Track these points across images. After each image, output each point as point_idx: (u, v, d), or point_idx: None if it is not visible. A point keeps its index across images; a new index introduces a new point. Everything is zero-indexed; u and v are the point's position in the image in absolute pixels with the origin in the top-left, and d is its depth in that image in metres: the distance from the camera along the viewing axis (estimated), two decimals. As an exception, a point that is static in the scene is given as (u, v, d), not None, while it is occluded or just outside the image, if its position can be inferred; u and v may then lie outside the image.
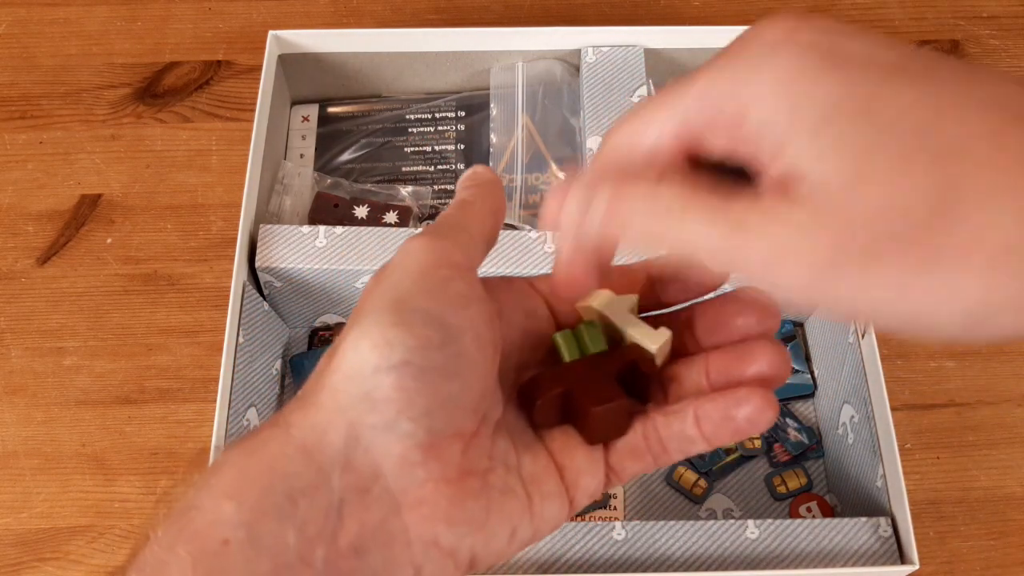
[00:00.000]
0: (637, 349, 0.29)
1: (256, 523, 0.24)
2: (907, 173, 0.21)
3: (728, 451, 0.61)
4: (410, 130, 0.73)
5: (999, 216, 0.20)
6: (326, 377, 0.26)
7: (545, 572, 0.51)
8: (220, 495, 0.24)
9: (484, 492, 0.26)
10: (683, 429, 0.28)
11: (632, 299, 0.30)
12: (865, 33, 0.23)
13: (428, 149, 0.72)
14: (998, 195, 0.20)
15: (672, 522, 0.52)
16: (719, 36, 0.69)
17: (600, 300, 0.30)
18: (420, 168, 0.71)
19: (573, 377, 0.29)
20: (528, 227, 0.65)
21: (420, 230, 0.29)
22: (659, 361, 0.30)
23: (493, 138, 0.71)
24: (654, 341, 0.29)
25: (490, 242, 0.30)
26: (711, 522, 0.52)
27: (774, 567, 0.51)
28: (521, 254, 0.59)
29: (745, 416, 0.27)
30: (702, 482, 0.60)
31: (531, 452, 0.28)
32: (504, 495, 0.27)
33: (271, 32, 0.67)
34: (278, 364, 0.63)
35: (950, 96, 0.21)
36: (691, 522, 0.52)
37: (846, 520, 0.52)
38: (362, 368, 0.25)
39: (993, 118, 0.21)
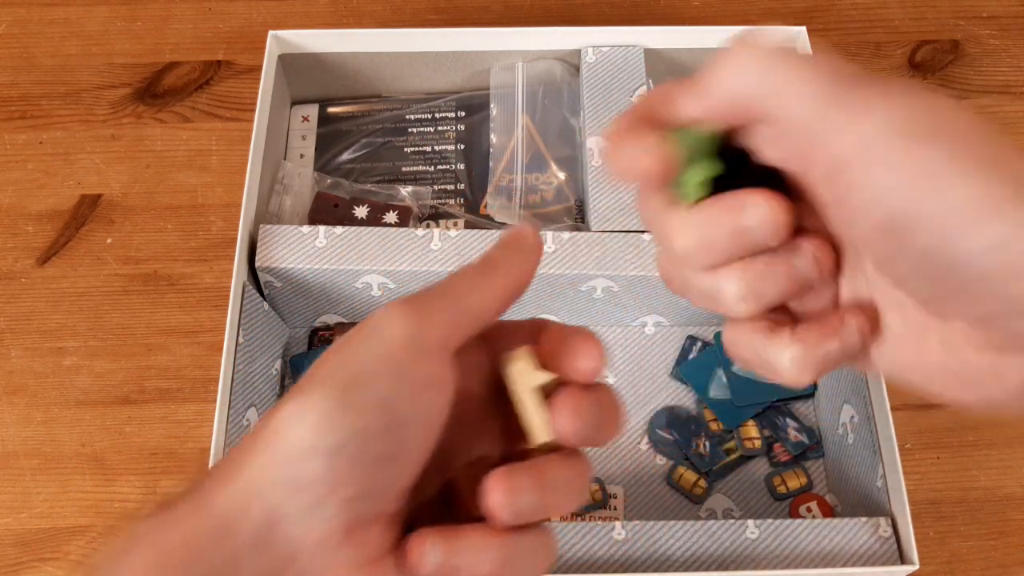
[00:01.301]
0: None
1: None
2: None
3: (728, 451, 0.61)
4: (410, 130, 0.73)
5: None
6: (260, 442, 0.25)
7: (544, 572, 0.51)
8: (139, 573, 0.24)
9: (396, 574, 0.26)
10: None
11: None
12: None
13: (428, 149, 0.72)
14: None
15: (672, 522, 0.52)
16: (719, 36, 0.69)
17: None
18: (420, 168, 0.71)
19: None
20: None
21: (415, 294, 0.27)
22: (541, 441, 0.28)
23: (493, 138, 0.71)
24: (543, 433, 0.27)
25: (493, 313, 0.28)
26: (711, 522, 0.52)
27: (774, 567, 0.51)
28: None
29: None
30: (702, 482, 0.59)
31: None
32: None
33: (271, 32, 0.67)
34: (278, 364, 0.63)
35: None
36: (691, 522, 0.52)
37: (846, 520, 0.52)
38: (299, 445, 0.24)
39: None
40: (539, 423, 0.27)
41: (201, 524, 0.24)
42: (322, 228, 0.60)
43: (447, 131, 0.73)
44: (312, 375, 0.26)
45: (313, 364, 0.26)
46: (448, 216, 0.69)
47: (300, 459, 0.24)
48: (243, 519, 0.24)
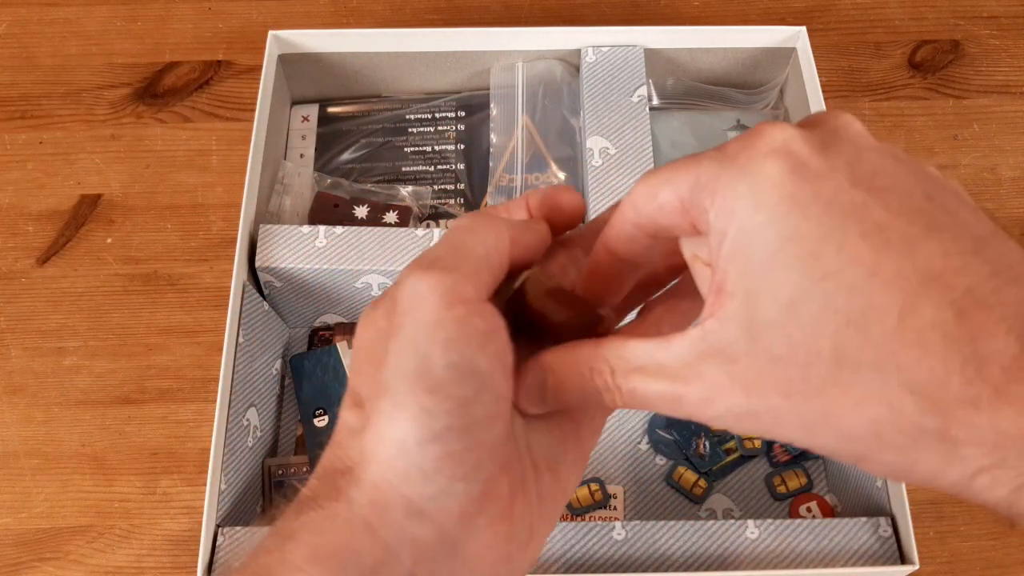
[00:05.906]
0: None
1: None
2: (818, 323, 0.22)
3: (728, 451, 0.61)
4: (410, 130, 0.73)
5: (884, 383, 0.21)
6: (370, 447, 0.25)
7: (545, 572, 0.51)
8: (295, 568, 0.24)
9: (526, 512, 0.27)
10: None
11: None
12: (863, 157, 0.23)
13: (428, 149, 0.72)
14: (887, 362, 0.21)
15: (672, 522, 0.52)
16: (719, 36, 0.69)
17: None
18: (420, 168, 0.71)
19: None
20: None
21: (420, 263, 0.27)
22: None
23: (493, 138, 0.71)
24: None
25: (498, 268, 0.28)
26: (711, 522, 0.52)
27: (774, 567, 0.51)
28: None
29: None
30: (702, 482, 0.59)
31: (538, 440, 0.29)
32: (529, 494, 0.28)
33: (271, 32, 0.67)
34: (278, 364, 0.63)
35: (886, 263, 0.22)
36: (691, 522, 0.52)
37: (846, 520, 0.52)
38: (405, 442, 0.25)
39: (914, 295, 0.21)
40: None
41: (350, 525, 0.25)
42: (322, 228, 0.60)
43: (447, 131, 0.73)
44: (383, 372, 0.25)
45: (355, 365, 0.27)
46: (448, 216, 0.69)
47: (416, 453, 0.25)
48: (388, 515, 0.25)
